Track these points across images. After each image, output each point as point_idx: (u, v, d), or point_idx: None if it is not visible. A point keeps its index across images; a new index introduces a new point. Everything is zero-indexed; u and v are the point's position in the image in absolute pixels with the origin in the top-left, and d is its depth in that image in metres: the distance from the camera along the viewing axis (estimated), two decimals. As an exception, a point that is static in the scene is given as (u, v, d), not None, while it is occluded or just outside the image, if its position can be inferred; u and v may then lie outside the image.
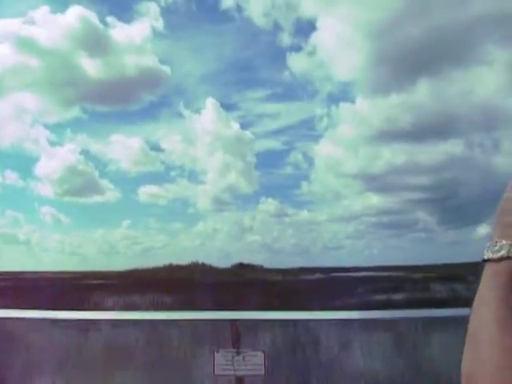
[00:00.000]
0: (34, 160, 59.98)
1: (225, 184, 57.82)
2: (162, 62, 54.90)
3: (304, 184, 66.16)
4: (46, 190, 61.35)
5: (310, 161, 67.56)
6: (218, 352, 2.56)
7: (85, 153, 61.92)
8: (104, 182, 55.96)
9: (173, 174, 62.64)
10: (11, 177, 55.89)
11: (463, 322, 0.70)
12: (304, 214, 61.98)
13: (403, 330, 3.47)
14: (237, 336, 2.63)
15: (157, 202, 64.97)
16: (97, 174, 55.43)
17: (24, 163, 60.58)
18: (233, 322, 2.68)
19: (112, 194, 56.19)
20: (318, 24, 56.44)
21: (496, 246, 0.68)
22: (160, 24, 52.34)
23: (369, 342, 3.50)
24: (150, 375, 3.41)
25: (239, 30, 60.50)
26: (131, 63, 54.14)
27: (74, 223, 62.19)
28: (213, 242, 62.03)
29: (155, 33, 56.93)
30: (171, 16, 57.86)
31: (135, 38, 55.30)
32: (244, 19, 58.11)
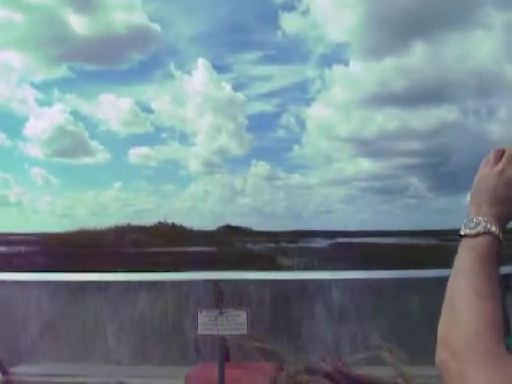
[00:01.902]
0: (22, 120, 58.33)
1: (216, 146, 57.24)
2: (152, 20, 52.63)
3: (296, 147, 65.89)
4: (35, 151, 60.01)
5: (302, 124, 67.18)
6: (201, 312, 2.57)
7: (74, 113, 60.24)
8: (94, 143, 54.69)
9: (163, 135, 61.83)
10: None
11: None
12: (296, 178, 62.11)
13: (380, 291, 3.54)
14: (220, 296, 2.64)
15: (147, 164, 64.18)
16: (86, 134, 54.00)
17: (12, 123, 58.92)
18: (215, 282, 2.70)
19: (102, 155, 55.28)
20: None
21: (472, 222, 0.76)
22: None
23: (348, 301, 3.57)
24: (135, 334, 3.45)
25: None
26: (120, 20, 51.90)
27: (64, 185, 61.22)
28: (204, 204, 61.91)
29: None
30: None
31: None
32: None
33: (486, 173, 0.81)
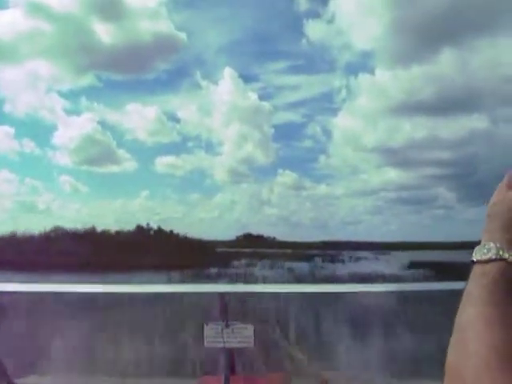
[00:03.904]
0: (50, 128, 59.20)
1: (242, 155, 57.31)
2: (178, 29, 53.09)
3: (322, 157, 65.76)
4: (64, 159, 60.59)
5: (328, 134, 66.92)
6: (207, 325, 2.58)
7: (101, 122, 60.55)
8: (121, 152, 55.08)
9: (190, 144, 62.13)
10: (29, 145, 54.74)
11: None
12: (322, 188, 61.87)
13: (395, 304, 3.53)
14: (226, 309, 2.65)
15: (174, 173, 64.18)
16: (114, 143, 54.48)
17: (41, 132, 59.67)
18: (222, 294, 2.71)
19: (129, 163, 55.59)
20: None
21: (484, 248, 0.73)
22: None
23: (358, 314, 3.56)
24: (143, 347, 3.45)
25: (258, 1, 58.60)
26: (146, 29, 52.24)
27: (92, 193, 61.37)
28: (230, 214, 61.87)
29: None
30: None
31: (150, 3, 53.33)
32: None
33: (500, 199, 0.79)
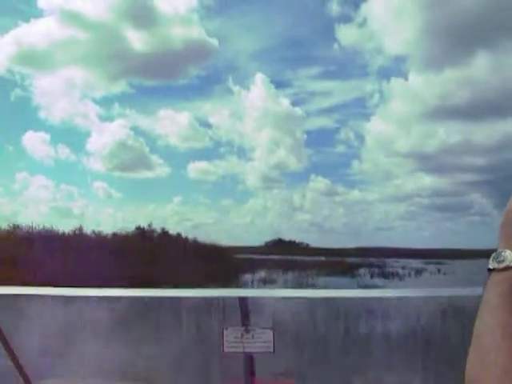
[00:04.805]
0: (84, 135, 61.10)
1: (274, 161, 57.57)
2: (210, 35, 53.90)
3: (355, 163, 65.46)
4: (98, 165, 62.10)
5: (361, 139, 66.28)
6: (226, 329, 2.55)
7: (134, 128, 61.73)
8: (154, 158, 56.02)
9: (222, 150, 62.77)
10: (64, 151, 56.53)
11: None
12: (355, 194, 61.38)
13: (407, 309, 3.44)
14: (246, 313, 2.62)
15: (206, 179, 64.83)
16: (147, 149, 55.50)
17: (75, 138, 61.51)
18: (242, 299, 2.67)
19: (162, 169, 56.53)
20: None
21: (501, 256, 0.72)
22: None
23: (377, 319, 3.49)
24: (161, 351, 3.44)
25: (289, 7, 58.94)
26: (178, 35, 53.03)
27: (125, 198, 62.33)
28: (263, 220, 62.20)
29: (202, 5, 56.16)
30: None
31: (181, 10, 54.07)
32: None
33: None
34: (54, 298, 3.29)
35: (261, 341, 2.50)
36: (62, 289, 3.10)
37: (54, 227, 30.82)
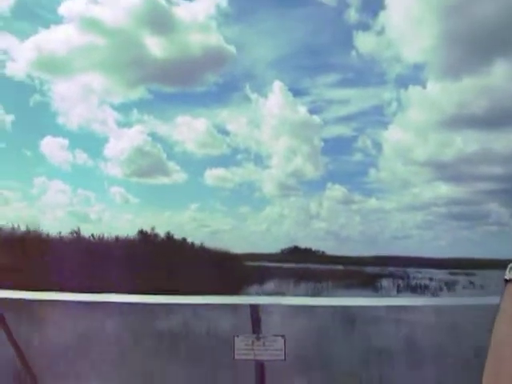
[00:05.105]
0: (102, 140, 61.74)
1: (291, 169, 57.48)
2: (228, 42, 54.26)
3: (372, 171, 64.85)
4: (115, 171, 62.79)
5: (378, 147, 65.85)
6: (237, 337, 2.53)
7: (152, 134, 62.21)
8: (171, 164, 56.30)
9: (239, 157, 62.89)
10: (81, 157, 57.27)
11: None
12: (372, 202, 60.93)
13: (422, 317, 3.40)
14: (257, 321, 2.60)
15: (223, 185, 64.83)
16: (164, 155, 55.84)
17: (93, 144, 62.30)
18: (253, 306, 2.65)
19: (179, 175, 56.76)
20: (387, 2, 53.85)
21: None
22: (224, 3, 51.79)
23: (385, 327, 3.45)
24: (170, 358, 3.43)
25: (307, 14, 59.15)
26: (196, 42, 53.45)
27: (142, 204, 62.50)
28: (279, 227, 62.08)
29: (220, 12, 56.49)
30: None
31: (199, 17, 54.42)
32: (311, 1, 56.36)
33: None
34: (64, 303, 3.30)
35: (272, 348, 2.49)
36: (65, 294, 3.10)
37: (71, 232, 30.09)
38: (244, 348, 2.52)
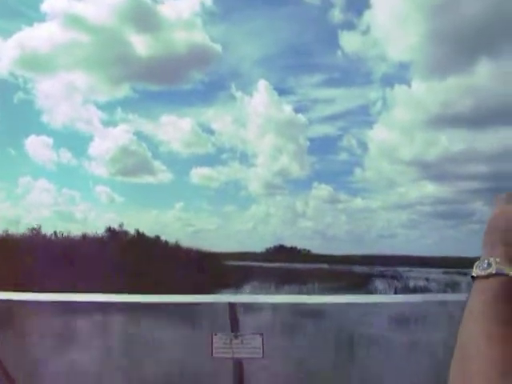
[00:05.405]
0: (87, 139, 60.63)
1: (277, 168, 57.50)
2: (213, 40, 53.80)
3: (358, 170, 65.60)
4: (100, 170, 61.56)
5: (364, 147, 66.90)
6: (215, 335, 2.54)
7: (137, 133, 61.51)
8: (156, 163, 55.72)
9: (224, 156, 62.92)
10: (66, 156, 56.27)
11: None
12: (358, 201, 61.69)
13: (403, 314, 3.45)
14: (235, 319, 2.62)
15: (209, 185, 64.67)
16: (149, 154, 55.24)
17: (77, 142, 61.26)
18: (231, 304, 2.67)
19: (164, 175, 56.41)
20: (372, 1, 53.72)
21: (484, 263, 0.72)
22: (209, 1, 53.95)
23: (367, 325, 3.49)
24: (148, 358, 3.41)
25: (293, 14, 59.04)
26: (181, 40, 52.79)
27: (127, 203, 62.07)
28: (265, 226, 61.91)
29: (206, 10, 56.56)
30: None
31: (184, 14, 54.14)
32: (297, 0, 56.38)
33: (500, 212, 0.78)
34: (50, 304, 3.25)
35: (250, 346, 2.50)
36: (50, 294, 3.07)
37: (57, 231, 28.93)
38: (222, 346, 2.54)
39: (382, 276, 38.91)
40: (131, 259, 27.02)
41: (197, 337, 3.24)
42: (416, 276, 38.82)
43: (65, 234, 30.60)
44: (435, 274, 40.68)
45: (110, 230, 34.48)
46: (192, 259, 30.83)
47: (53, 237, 29.91)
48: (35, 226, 28.98)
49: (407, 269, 44.93)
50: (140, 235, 34.97)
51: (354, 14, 64.67)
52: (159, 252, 31.27)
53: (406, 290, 31.32)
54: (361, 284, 31.70)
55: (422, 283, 34.13)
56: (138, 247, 30.82)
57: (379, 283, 33.68)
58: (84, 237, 31.80)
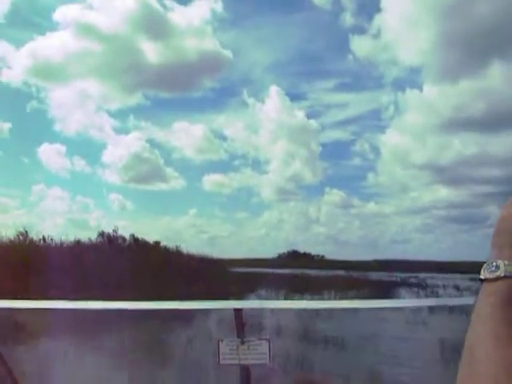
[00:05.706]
0: (100, 147, 60.77)
1: (289, 174, 57.21)
2: (224, 47, 53.87)
3: (370, 175, 65.18)
4: (113, 177, 61.78)
5: (376, 151, 66.39)
6: (222, 341, 2.54)
7: (149, 140, 61.60)
8: (169, 170, 55.79)
9: (237, 162, 62.89)
10: (79, 163, 56.52)
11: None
12: (371, 206, 61.18)
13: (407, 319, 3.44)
14: (241, 325, 2.61)
15: (221, 191, 64.48)
16: (162, 161, 55.33)
17: (91, 150, 61.53)
18: (237, 310, 2.66)
19: (177, 181, 56.44)
20: (383, 4, 53.64)
21: (492, 266, 0.70)
22: (220, 8, 53.79)
23: (372, 330, 3.48)
24: (155, 363, 3.42)
25: (304, 19, 59.00)
26: (192, 48, 52.89)
27: (140, 210, 62.02)
28: (278, 232, 61.61)
29: (216, 17, 57.00)
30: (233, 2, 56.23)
31: (195, 22, 54.86)
32: (307, 6, 56.31)
33: (508, 214, 0.76)
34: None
35: (256, 352, 2.50)
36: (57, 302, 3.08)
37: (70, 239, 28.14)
38: (229, 352, 2.53)
39: (406, 284, 37.54)
40: (149, 267, 26.64)
41: (203, 343, 3.25)
42: (445, 284, 37.01)
43: (72, 240, 29.89)
44: (460, 280, 39.60)
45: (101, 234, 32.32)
46: (203, 266, 30.52)
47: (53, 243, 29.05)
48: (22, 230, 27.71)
49: (430, 275, 43.64)
50: (156, 243, 34.48)
51: (365, 19, 64.63)
52: (173, 259, 30.95)
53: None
54: (382, 292, 29.57)
55: (451, 291, 31.84)
56: (156, 255, 30.40)
57: (403, 292, 31.47)
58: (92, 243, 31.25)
